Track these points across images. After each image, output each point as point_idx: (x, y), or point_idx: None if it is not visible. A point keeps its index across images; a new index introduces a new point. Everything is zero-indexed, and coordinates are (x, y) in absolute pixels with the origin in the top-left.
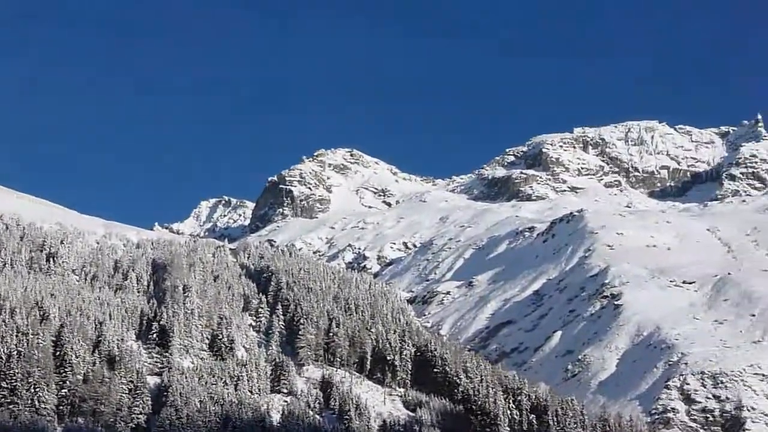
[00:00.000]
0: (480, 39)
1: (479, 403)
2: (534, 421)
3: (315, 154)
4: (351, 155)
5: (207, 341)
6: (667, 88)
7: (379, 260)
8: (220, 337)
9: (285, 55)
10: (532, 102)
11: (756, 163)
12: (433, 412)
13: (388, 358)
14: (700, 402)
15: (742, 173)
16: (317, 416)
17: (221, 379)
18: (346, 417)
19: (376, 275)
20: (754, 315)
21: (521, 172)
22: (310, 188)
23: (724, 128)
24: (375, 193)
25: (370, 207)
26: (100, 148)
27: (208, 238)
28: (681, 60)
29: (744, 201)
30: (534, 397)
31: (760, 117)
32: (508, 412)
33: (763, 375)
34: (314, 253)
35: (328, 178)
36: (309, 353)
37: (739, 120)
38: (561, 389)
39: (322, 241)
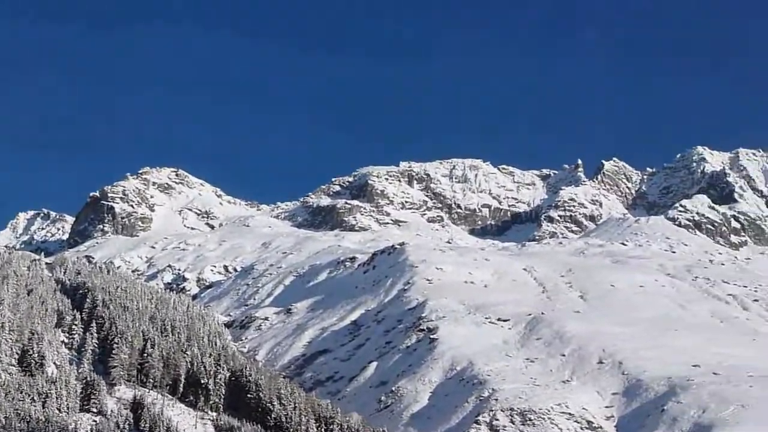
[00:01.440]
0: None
1: (291, 430)
2: None
3: (140, 171)
4: (176, 175)
5: (17, 356)
6: (492, 129)
7: (199, 282)
8: (30, 352)
9: (112, 69)
10: (361, 133)
11: (574, 206)
12: None
13: (203, 381)
14: None
15: (560, 216)
16: None
17: (29, 395)
18: None
19: (194, 297)
20: (564, 355)
21: (346, 202)
22: (132, 206)
23: (545, 171)
24: (198, 214)
25: (192, 228)
26: None
27: (24, 251)
28: (507, 102)
29: (561, 243)
30: (346, 426)
31: (580, 162)
32: None
33: (570, 414)
34: (133, 271)
35: (151, 196)
36: (122, 373)
37: (560, 164)
38: (374, 420)
39: (141, 260)
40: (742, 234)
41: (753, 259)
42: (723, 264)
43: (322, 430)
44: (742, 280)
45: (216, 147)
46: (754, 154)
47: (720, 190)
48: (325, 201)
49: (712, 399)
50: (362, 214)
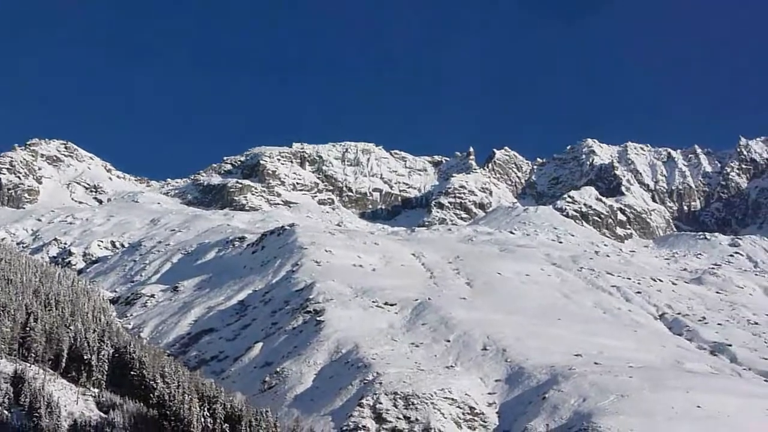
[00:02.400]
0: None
1: (174, 408)
2: (227, 430)
3: (28, 143)
4: (66, 147)
5: None
6: (386, 114)
7: (85, 257)
8: None
9: (20, 41)
10: (254, 113)
11: (464, 194)
12: (126, 415)
13: (85, 357)
14: (390, 422)
15: (450, 202)
16: (6, 412)
17: None
18: (36, 414)
19: (80, 272)
20: (449, 341)
21: (237, 182)
22: (19, 177)
23: (437, 157)
24: (87, 188)
25: (80, 202)
26: None
27: None
28: (402, 87)
29: (450, 230)
30: (229, 406)
31: (472, 150)
32: (202, 419)
33: (453, 399)
34: (18, 244)
35: (39, 168)
36: (3, 347)
37: (452, 151)
38: (257, 400)
39: (27, 233)
40: (628, 227)
41: (637, 251)
42: (608, 256)
43: (205, 409)
44: (626, 273)
45: (107, 121)
46: (642, 148)
47: (608, 183)
48: (216, 179)
49: (593, 388)
50: (253, 194)
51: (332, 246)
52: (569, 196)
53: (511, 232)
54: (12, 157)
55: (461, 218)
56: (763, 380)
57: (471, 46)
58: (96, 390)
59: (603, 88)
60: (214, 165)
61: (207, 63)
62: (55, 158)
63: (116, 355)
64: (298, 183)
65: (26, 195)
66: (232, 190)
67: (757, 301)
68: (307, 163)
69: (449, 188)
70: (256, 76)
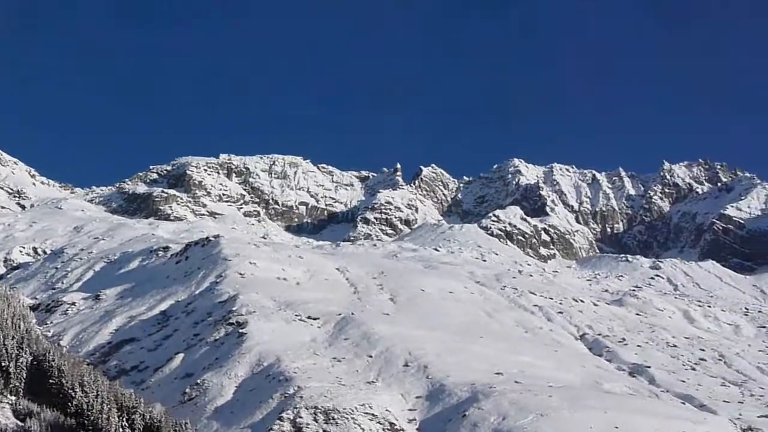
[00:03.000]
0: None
1: (92, 418)
2: None
3: None
4: None
5: None
6: (313, 128)
7: (6, 263)
8: None
9: None
10: (181, 123)
11: (390, 209)
12: (43, 424)
13: (3, 364)
14: None
15: (376, 218)
16: None
17: None
18: None
19: (0, 278)
20: (371, 356)
21: (162, 191)
22: None
23: (364, 172)
24: (10, 193)
25: (2, 207)
26: None
27: None
28: (328, 102)
29: (375, 245)
30: (148, 417)
31: (399, 166)
32: (121, 429)
33: (373, 415)
34: None
35: None
36: None
37: (379, 167)
38: (177, 412)
39: None
40: (551, 247)
41: (560, 272)
42: (531, 275)
43: (124, 419)
44: (548, 292)
45: (32, 126)
46: (567, 169)
47: (533, 203)
48: (142, 188)
49: (513, 407)
50: (178, 204)
51: (257, 258)
52: (494, 215)
53: (436, 249)
54: None
55: (387, 234)
56: (680, 402)
57: (401, 63)
58: (13, 398)
59: (529, 108)
60: (140, 173)
61: (136, 71)
62: None
63: (35, 362)
64: (224, 194)
65: None
66: (157, 199)
67: (677, 324)
68: (234, 175)
69: (375, 204)
70: (186, 85)
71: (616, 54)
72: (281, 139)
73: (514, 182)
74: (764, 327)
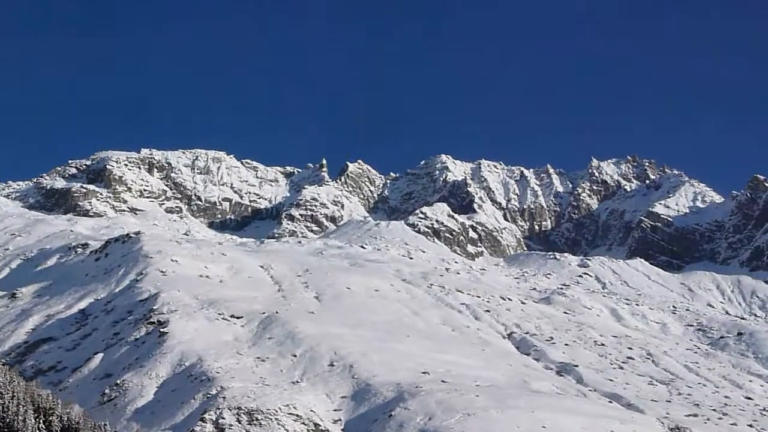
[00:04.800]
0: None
1: (8, 420)
2: None
3: None
4: None
5: None
6: (237, 123)
7: None
8: None
9: None
10: (102, 116)
11: (316, 206)
12: None
13: None
14: None
15: (301, 215)
16: None
17: None
18: None
19: None
20: (296, 356)
21: (82, 186)
22: None
23: (289, 168)
24: None
25: None
26: None
27: None
28: (255, 97)
29: (300, 242)
30: (66, 418)
31: (324, 162)
32: (38, 431)
33: (298, 416)
34: None
35: None
36: None
37: (305, 162)
38: (96, 413)
39: None
40: (479, 244)
41: (488, 270)
42: (458, 273)
43: (41, 421)
44: (475, 290)
45: None
46: (495, 166)
47: (460, 200)
48: (60, 183)
49: (439, 406)
50: (98, 200)
51: (179, 255)
52: (421, 212)
53: (362, 247)
54: None
55: (312, 231)
56: (608, 401)
57: (325, 59)
58: None
59: (457, 103)
60: (59, 168)
61: (54, 62)
62: None
63: None
64: (145, 190)
65: None
66: (76, 194)
67: (605, 323)
68: (155, 170)
69: (300, 200)
70: (107, 77)
71: (547, 51)
72: (204, 133)
73: (441, 179)
74: (691, 325)
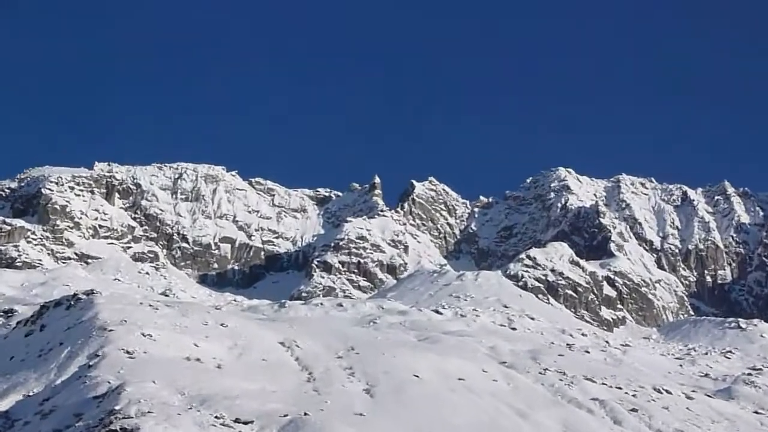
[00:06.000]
0: None
1: None
2: None
3: None
4: None
5: None
6: (240, 125)
7: None
8: None
9: None
10: (32, 115)
11: (365, 249)
12: None
13: None
14: None
15: (342, 262)
16: None
17: None
18: None
19: None
20: None
21: (4, 222)
22: None
23: (323, 191)
24: None
25: None
26: None
27: None
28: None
29: (341, 305)
30: None
31: (378, 180)
32: None
33: None
34: None
35: None
36: None
37: (346, 182)
38: None
39: None
40: (619, 306)
41: (633, 346)
42: (588, 351)
43: None
44: (615, 378)
45: None
46: (642, 184)
47: (589, 237)
48: None
49: None
50: (29, 242)
51: (153, 327)
52: (529, 257)
53: (438, 311)
54: None
55: (359, 287)
56: None
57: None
58: None
59: (575, 91)
60: None
61: None
62: None
63: None
64: (101, 226)
65: None
66: None
67: None
68: (116, 195)
69: (341, 240)
70: (34, 50)
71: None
72: (191, 139)
73: (559, 204)
74: None
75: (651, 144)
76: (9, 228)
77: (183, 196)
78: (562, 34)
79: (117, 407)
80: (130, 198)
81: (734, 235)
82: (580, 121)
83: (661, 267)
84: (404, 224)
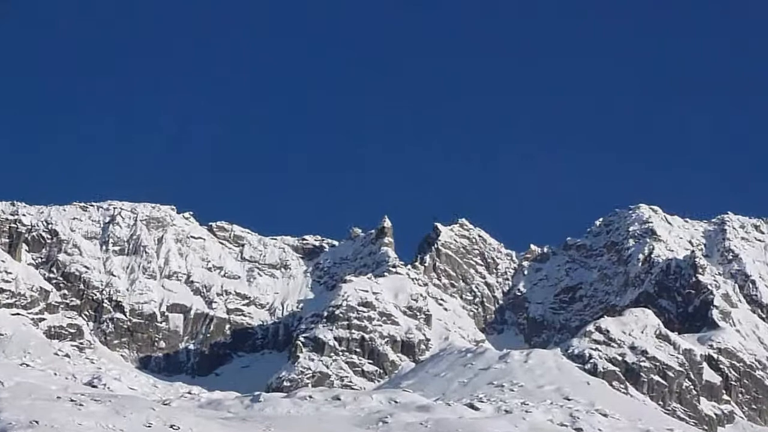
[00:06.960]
0: None
1: None
2: None
3: None
4: None
5: None
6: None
7: None
8: None
9: None
10: None
11: (370, 320)
12: None
13: None
14: None
15: (339, 338)
16: None
17: None
18: None
19: None
20: None
21: None
22: None
23: (312, 238)
24: None
25: None
26: None
27: None
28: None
29: (338, 399)
30: None
31: (388, 223)
32: None
33: None
34: None
35: None
36: None
37: (344, 226)
38: None
39: None
40: (725, 396)
41: None
42: None
43: None
44: None
45: None
46: (756, 227)
47: (683, 301)
48: None
49: None
50: None
51: (76, 429)
52: (599, 330)
53: (473, 406)
54: None
55: (363, 374)
56: None
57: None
58: None
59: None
60: None
61: None
62: None
63: None
64: (3, 290)
65: None
66: None
67: None
68: (24, 247)
69: (337, 307)
70: None
71: None
72: (127, 170)
73: (640, 255)
74: None
75: (766, 174)
76: None
77: (117, 248)
78: (643, 44)
79: None
80: (43, 250)
81: None
82: (667, 142)
83: None
84: (425, 285)
